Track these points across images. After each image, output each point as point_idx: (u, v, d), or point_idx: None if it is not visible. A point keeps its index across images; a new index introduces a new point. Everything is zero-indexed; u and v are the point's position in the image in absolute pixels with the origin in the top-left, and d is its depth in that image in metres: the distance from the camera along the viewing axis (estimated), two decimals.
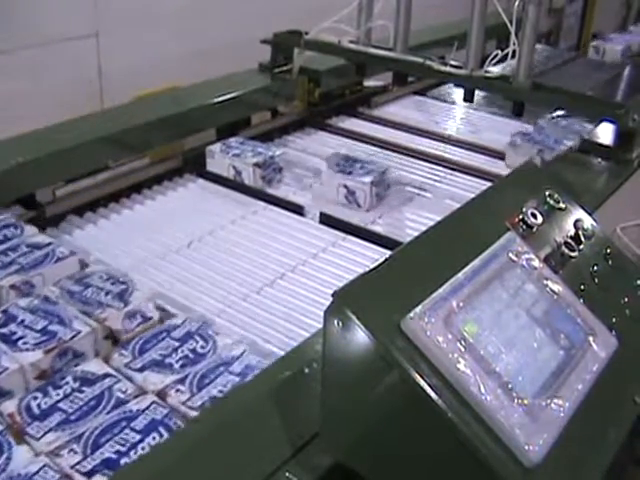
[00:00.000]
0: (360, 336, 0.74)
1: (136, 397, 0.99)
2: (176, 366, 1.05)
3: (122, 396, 0.99)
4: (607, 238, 1.07)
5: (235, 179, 1.79)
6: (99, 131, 1.70)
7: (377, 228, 1.62)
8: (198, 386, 1.01)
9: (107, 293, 1.19)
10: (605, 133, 1.81)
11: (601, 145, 1.78)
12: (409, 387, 0.72)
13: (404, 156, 2.02)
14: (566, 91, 1.84)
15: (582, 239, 1.01)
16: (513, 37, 1.76)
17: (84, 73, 2.53)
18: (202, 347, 1.09)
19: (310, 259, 1.48)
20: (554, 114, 2.12)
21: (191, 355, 1.07)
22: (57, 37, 2.41)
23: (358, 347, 0.75)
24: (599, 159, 1.75)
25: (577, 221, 1.03)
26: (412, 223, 1.64)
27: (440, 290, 0.79)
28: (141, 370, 1.04)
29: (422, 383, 0.71)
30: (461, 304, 0.79)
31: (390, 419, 0.77)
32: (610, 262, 1.02)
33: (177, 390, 1.00)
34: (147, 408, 0.96)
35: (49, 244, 1.31)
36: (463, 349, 0.75)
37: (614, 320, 0.92)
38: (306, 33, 2.10)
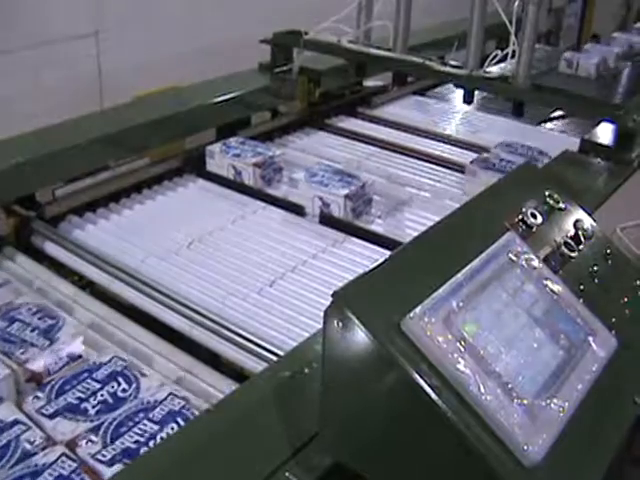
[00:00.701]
0: (360, 336, 0.74)
1: (44, 448, 0.91)
2: (91, 412, 0.98)
3: (29, 447, 0.91)
4: (607, 238, 1.06)
5: (235, 179, 1.79)
6: (99, 131, 1.70)
7: (377, 228, 1.62)
8: (112, 436, 0.94)
9: (33, 329, 1.12)
10: (605, 133, 1.81)
11: (601, 145, 1.78)
12: (409, 387, 0.72)
13: (404, 156, 2.02)
14: (566, 92, 1.84)
15: (582, 239, 1.01)
16: (513, 37, 1.76)
17: (84, 73, 2.54)
18: (123, 390, 1.02)
19: (310, 259, 1.48)
20: (506, 143, 1.97)
21: (110, 400, 1.00)
22: (57, 37, 2.41)
23: (358, 347, 0.75)
24: (599, 159, 1.75)
25: (577, 221, 1.03)
26: (412, 223, 1.64)
27: (440, 290, 0.79)
28: (53, 416, 0.97)
29: (422, 383, 0.71)
30: (461, 304, 0.79)
31: (390, 419, 0.77)
32: (610, 262, 1.02)
33: (88, 440, 0.93)
34: (54, 462, 0.88)
35: None
36: (463, 349, 0.75)
37: (614, 320, 0.92)
38: (306, 33, 2.11)
